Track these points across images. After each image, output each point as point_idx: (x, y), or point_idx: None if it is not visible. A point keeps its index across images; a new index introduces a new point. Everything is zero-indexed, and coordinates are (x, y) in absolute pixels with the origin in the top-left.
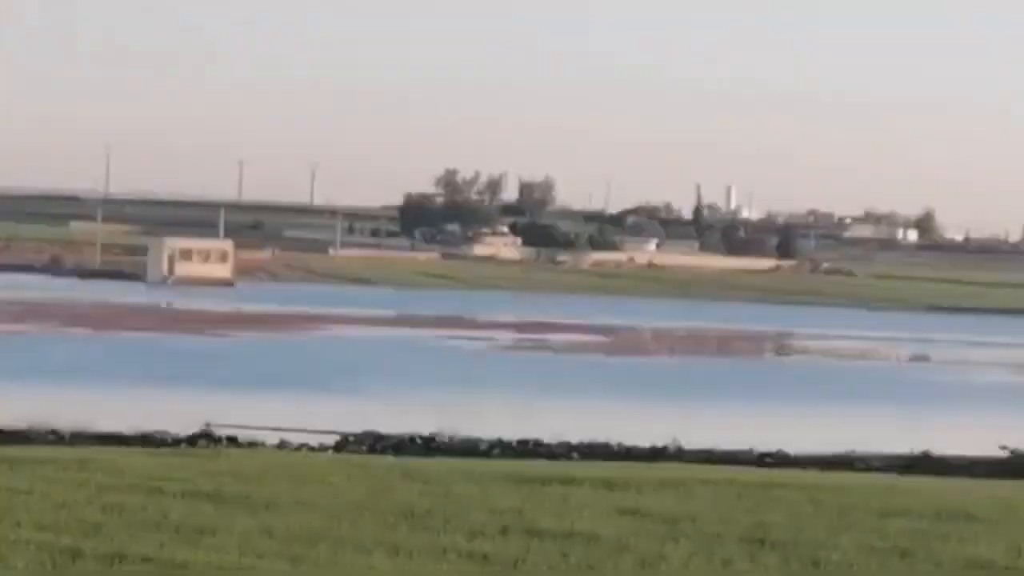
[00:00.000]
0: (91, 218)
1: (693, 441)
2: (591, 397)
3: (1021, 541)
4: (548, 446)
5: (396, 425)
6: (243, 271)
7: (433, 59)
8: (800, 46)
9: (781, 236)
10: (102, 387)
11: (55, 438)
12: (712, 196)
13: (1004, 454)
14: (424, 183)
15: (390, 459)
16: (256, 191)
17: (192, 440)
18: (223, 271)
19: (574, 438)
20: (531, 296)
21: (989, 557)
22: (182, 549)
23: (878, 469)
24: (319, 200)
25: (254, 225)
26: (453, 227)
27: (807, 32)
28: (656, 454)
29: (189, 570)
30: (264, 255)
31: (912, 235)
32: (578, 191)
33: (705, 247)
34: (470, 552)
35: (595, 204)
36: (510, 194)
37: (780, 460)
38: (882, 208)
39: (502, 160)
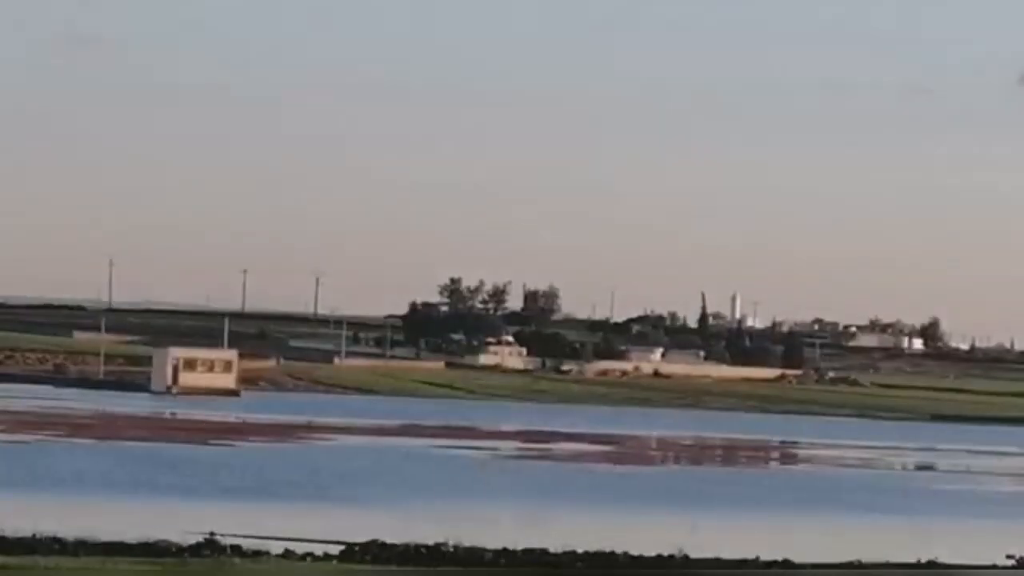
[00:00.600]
0: (95, 327)
1: (699, 550)
2: (596, 506)
3: None
4: (554, 555)
5: (400, 535)
6: (248, 380)
7: (437, 167)
8: (803, 153)
9: (786, 345)
10: (106, 496)
11: (59, 547)
12: (717, 305)
13: (1011, 563)
14: (429, 292)
15: (394, 569)
16: (260, 301)
17: (196, 549)
18: (227, 381)
19: (580, 547)
20: (536, 405)
21: None
22: None
23: None
24: (323, 309)
25: (258, 334)
26: (458, 336)
27: (811, 139)
28: (662, 563)
29: None
30: (269, 364)
31: (917, 343)
32: (583, 300)
33: (710, 356)
34: None
35: (600, 313)
36: (515, 303)
37: (786, 569)
38: (887, 317)
39: (507, 269)
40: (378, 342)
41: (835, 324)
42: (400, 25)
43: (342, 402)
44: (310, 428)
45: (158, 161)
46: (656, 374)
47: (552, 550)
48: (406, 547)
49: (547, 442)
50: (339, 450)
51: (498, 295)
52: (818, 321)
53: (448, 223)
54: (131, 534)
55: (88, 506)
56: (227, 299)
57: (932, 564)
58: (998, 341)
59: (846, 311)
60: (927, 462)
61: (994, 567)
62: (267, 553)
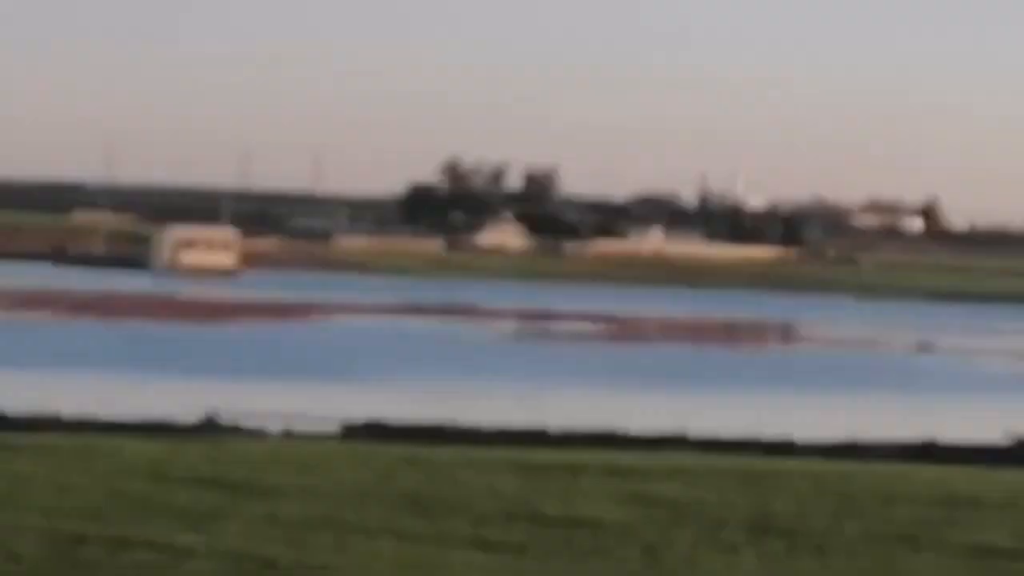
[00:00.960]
0: (95, 207)
1: (698, 429)
2: (596, 386)
3: None
4: (553, 434)
5: (400, 413)
6: (247, 260)
7: (438, 46)
8: (805, 32)
9: (786, 224)
10: (106, 375)
11: (59, 425)
12: (718, 184)
13: (1010, 441)
14: (428, 172)
15: (395, 447)
16: (261, 180)
17: (196, 428)
18: (227, 260)
19: (579, 426)
20: (535, 285)
21: (996, 543)
22: (186, 535)
23: (883, 457)
24: (323, 189)
25: (259, 214)
26: (458, 216)
27: (812, 18)
28: (662, 442)
29: (194, 555)
30: (269, 243)
31: (917, 223)
32: (583, 179)
33: (711, 236)
34: (475, 538)
35: (600, 192)
36: (515, 183)
37: (785, 448)
38: (887, 196)
39: (507, 148)
40: (378, 221)
41: (835, 204)
42: None
43: (341, 281)
44: (310, 307)
45: (158, 37)
46: (656, 253)
47: (551, 429)
48: (405, 425)
49: (547, 321)
50: (339, 329)
51: (498, 175)
52: (818, 200)
53: (449, 100)
54: (131, 414)
55: (87, 385)
56: (227, 177)
57: (930, 442)
58: (998, 220)
59: (846, 190)
60: (927, 342)
61: (993, 445)
62: (267, 431)
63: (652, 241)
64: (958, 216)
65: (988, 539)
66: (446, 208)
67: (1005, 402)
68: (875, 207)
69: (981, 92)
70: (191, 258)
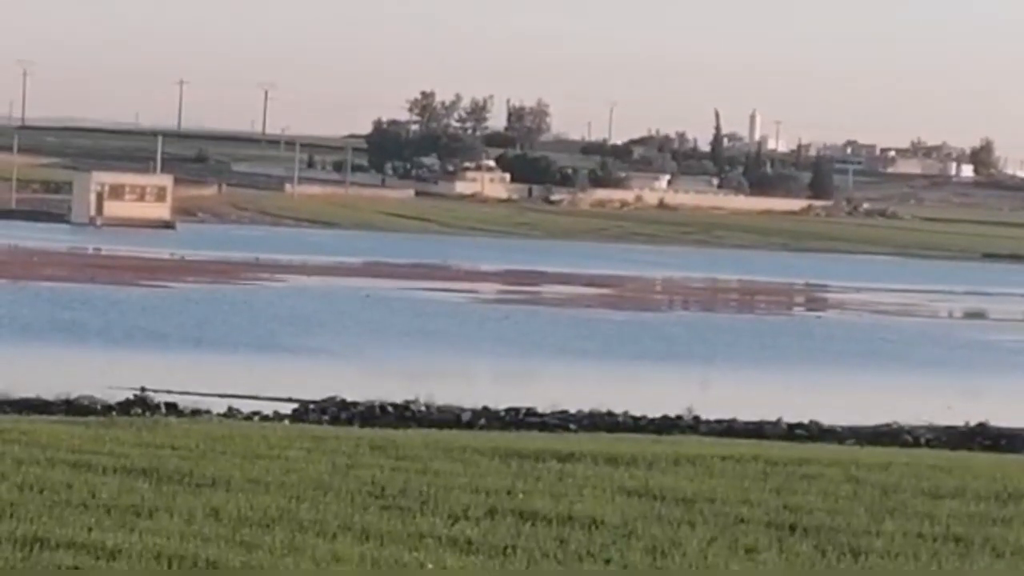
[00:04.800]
0: (5, 148)
1: (712, 411)
2: (592, 359)
3: None
4: (542, 416)
5: (364, 391)
6: (184, 211)
7: None
8: None
9: (814, 171)
10: (19, 346)
11: None
12: (733, 124)
13: None
14: (396, 109)
15: (356, 430)
16: (199, 118)
17: (125, 407)
18: (161, 211)
19: (572, 407)
20: (521, 241)
21: None
22: (114, 533)
23: (927, 443)
24: (273, 129)
25: (197, 157)
26: (430, 160)
27: None
28: (669, 425)
29: (122, 557)
30: (209, 192)
31: (967, 170)
32: (577, 118)
33: (724, 184)
34: (451, 538)
35: (596, 134)
36: (497, 121)
37: (813, 432)
38: (932, 139)
39: (488, 81)
40: (337, 167)
41: (871, 147)
42: None
43: (295, 236)
44: (257, 266)
45: None
46: (661, 205)
47: (540, 409)
48: (369, 405)
49: (534, 284)
50: (292, 293)
51: (477, 112)
52: (851, 143)
53: (421, 26)
54: (50, 390)
55: None
56: (160, 116)
57: (981, 427)
58: None
59: (884, 132)
60: (977, 308)
61: None
62: (207, 412)
63: (657, 191)
64: (1015, 164)
65: None
66: (417, 151)
67: None
68: (918, 151)
69: None
70: (118, 209)
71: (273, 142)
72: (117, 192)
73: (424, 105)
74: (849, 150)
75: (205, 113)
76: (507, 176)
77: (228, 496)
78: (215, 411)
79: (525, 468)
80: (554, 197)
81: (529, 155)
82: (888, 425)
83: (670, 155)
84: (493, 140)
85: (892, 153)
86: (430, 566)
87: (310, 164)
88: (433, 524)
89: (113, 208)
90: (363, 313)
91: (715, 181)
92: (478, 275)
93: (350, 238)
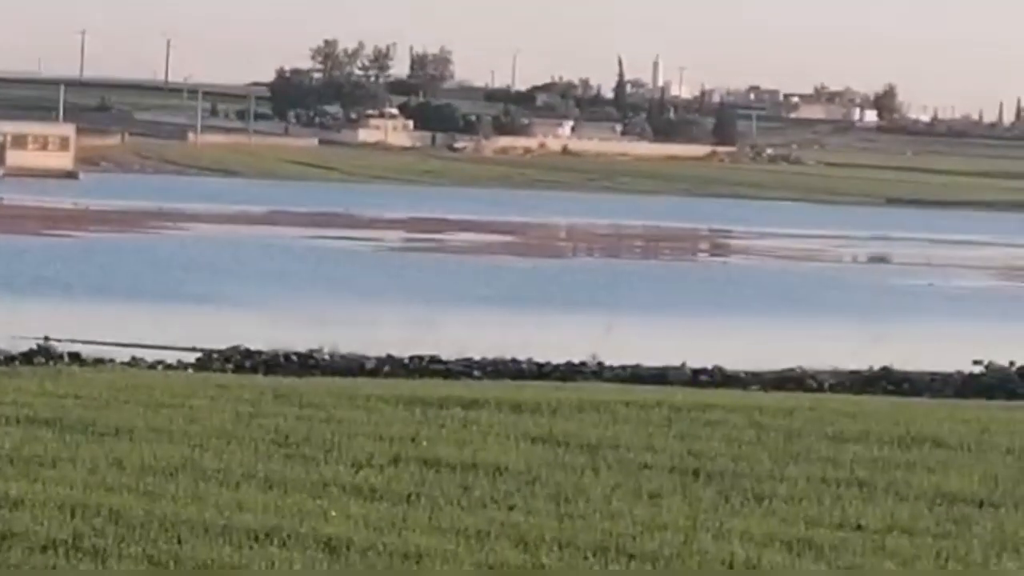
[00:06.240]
0: None
1: (616, 357)
2: (496, 307)
3: (997, 470)
4: (446, 363)
5: (267, 339)
6: (88, 161)
7: None
8: None
9: (717, 117)
10: None
11: None
12: (637, 71)
13: (978, 370)
14: (299, 57)
15: (260, 379)
16: (101, 66)
17: (28, 357)
18: (64, 161)
19: (477, 354)
20: (425, 188)
21: (961, 488)
22: (16, 483)
23: (831, 388)
24: (176, 77)
25: (100, 107)
26: (333, 109)
27: None
28: (573, 372)
29: (24, 506)
30: (112, 142)
31: (870, 116)
32: (480, 65)
33: (628, 130)
34: (355, 486)
35: (500, 80)
36: (400, 69)
37: (717, 378)
38: (836, 85)
39: (390, 29)
40: (240, 115)
41: (775, 93)
42: None
43: (198, 185)
44: (160, 215)
45: None
46: (565, 151)
47: (444, 357)
48: (273, 354)
49: (438, 232)
50: (194, 241)
51: (380, 60)
52: (754, 89)
53: None
54: None
55: None
56: (62, 65)
57: (885, 371)
58: (963, 111)
59: (787, 78)
60: (881, 253)
61: (957, 374)
62: (111, 361)
63: (560, 137)
64: (918, 109)
65: (954, 484)
66: (320, 99)
67: (971, 326)
68: (821, 97)
69: None
70: (21, 159)
71: (176, 90)
72: (20, 142)
73: (327, 53)
74: (752, 96)
75: (107, 62)
76: (410, 124)
77: (132, 445)
78: (119, 360)
79: (429, 416)
80: (458, 145)
81: (432, 103)
82: (792, 370)
83: (573, 102)
84: (396, 88)
85: (796, 99)
86: (334, 514)
87: (213, 112)
88: (337, 472)
89: (16, 158)
90: (267, 262)
91: (618, 128)
92: (382, 223)
93: (253, 187)
